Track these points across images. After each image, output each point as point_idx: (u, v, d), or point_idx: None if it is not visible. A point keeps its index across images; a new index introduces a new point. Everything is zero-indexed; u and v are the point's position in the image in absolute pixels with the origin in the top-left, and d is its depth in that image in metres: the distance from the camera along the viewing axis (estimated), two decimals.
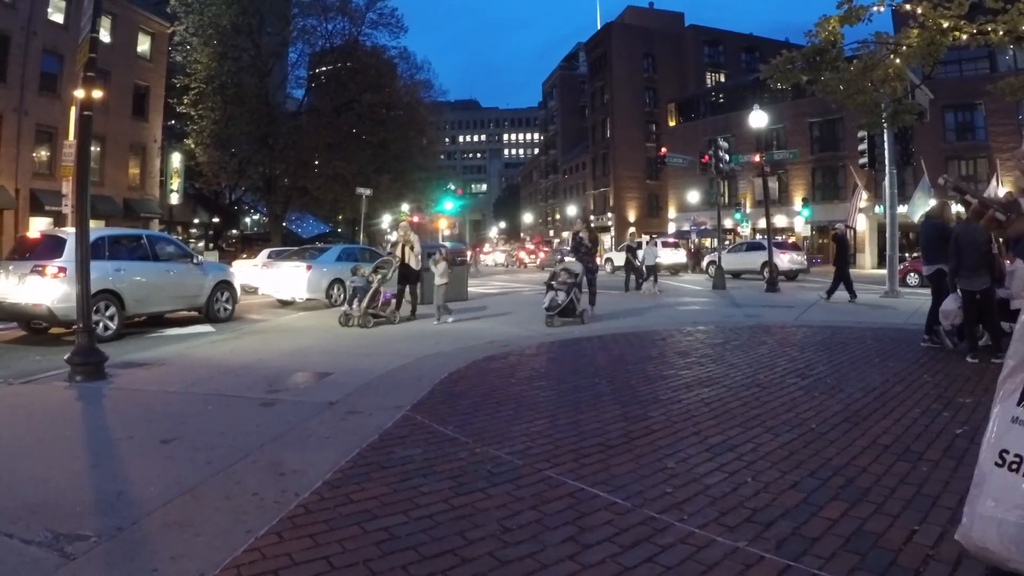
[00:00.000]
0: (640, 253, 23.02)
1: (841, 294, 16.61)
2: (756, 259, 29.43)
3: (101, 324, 10.73)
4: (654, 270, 21.95)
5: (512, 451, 4.65)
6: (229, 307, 14.20)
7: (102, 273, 10.88)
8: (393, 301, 12.95)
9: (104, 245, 11.55)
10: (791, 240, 40.25)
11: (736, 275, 29.34)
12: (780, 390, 6.56)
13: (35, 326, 11.43)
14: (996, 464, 1.21)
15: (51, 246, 11.15)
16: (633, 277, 22.31)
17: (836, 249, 18.05)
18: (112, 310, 11.18)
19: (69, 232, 10.68)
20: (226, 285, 14.17)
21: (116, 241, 12.27)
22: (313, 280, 16.82)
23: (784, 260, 28.25)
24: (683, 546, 3.19)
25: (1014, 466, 1.15)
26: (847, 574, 2.90)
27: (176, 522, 3.48)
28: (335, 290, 17.04)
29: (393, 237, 17.56)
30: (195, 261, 13.84)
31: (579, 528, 3.40)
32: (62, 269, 10.51)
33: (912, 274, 22.88)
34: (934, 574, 2.90)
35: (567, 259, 13.32)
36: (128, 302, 11.58)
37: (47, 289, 10.52)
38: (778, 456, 4.51)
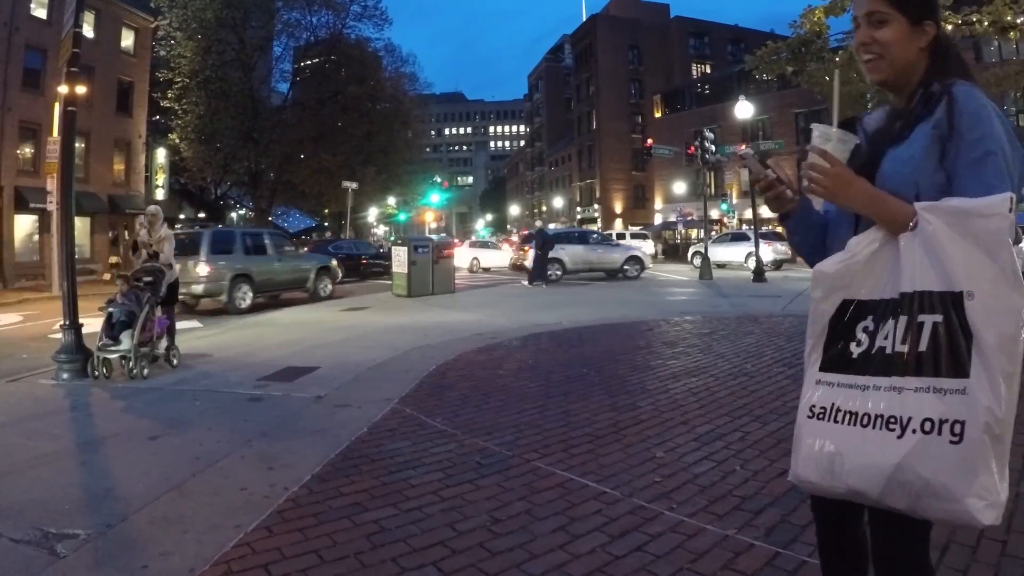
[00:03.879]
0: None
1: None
2: (741, 250, 29.68)
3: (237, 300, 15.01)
4: None
5: (501, 442, 4.66)
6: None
7: (236, 261, 15.30)
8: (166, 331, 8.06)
9: (236, 239, 15.92)
10: (777, 230, 40.34)
11: (720, 265, 29.46)
12: (768, 379, 6.59)
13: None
14: (807, 417, 1.55)
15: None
16: None
17: (538, 243, 21.10)
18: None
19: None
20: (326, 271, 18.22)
21: (245, 235, 16.59)
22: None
23: (769, 251, 28.32)
24: (672, 534, 3.21)
25: (820, 415, 1.52)
26: None
27: (165, 518, 3.47)
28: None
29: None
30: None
31: (569, 518, 3.41)
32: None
33: None
34: None
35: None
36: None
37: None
38: (766, 444, 4.54)
